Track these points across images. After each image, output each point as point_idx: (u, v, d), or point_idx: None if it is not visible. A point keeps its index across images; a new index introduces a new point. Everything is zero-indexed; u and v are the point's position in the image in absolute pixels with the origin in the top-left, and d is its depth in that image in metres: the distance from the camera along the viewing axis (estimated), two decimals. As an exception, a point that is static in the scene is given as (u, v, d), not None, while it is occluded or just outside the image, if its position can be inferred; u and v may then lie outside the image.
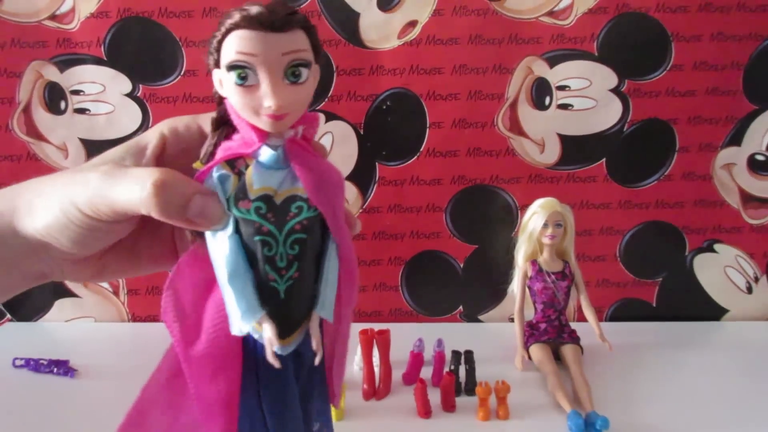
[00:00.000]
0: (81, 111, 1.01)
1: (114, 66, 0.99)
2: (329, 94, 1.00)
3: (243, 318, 0.35)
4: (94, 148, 1.01)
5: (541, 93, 1.01)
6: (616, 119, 1.02)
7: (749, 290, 1.10)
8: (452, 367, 0.87)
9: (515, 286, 0.95)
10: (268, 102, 0.33)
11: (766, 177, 1.05)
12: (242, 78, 0.33)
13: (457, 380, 0.84)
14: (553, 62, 1.00)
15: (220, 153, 0.36)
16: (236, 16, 0.33)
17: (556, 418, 0.78)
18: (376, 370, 0.85)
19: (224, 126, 0.37)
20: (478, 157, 1.03)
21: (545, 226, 0.91)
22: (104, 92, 1.00)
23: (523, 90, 1.01)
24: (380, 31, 0.99)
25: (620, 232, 1.07)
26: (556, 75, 1.01)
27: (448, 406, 0.80)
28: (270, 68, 0.33)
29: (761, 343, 1.02)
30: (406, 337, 0.90)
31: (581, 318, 0.95)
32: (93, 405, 0.82)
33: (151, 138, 0.39)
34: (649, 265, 1.09)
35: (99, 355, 0.95)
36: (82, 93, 1.00)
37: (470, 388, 0.83)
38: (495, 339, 1.01)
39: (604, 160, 1.04)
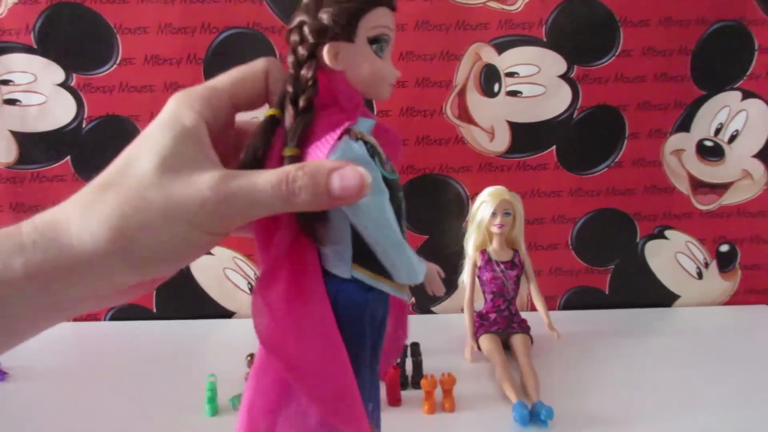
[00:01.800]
0: (11, 102, 0.96)
1: (45, 54, 0.95)
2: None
3: (419, 268, 0.38)
4: (26, 140, 0.97)
5: (489, 80, 1.00)
6: (566, 106, 1.02)
7: (700, 276, 1.10)
8: (398, 361, 0.85)
9: (465, 276, 0.94)
10: (396, 72, 0.38)
11: (714, 163, 1.06)
12: (382, 50, 0.37)
13: (403, 373, 0.82)
14: (501, 48, 0.99)
15: (324, 129, 0.35)
16: None
17: (502, 409, 0.77)
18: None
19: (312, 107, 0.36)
20: (426, 145, 1.01)
21: (494, 215, 0.90)
22: (35, 82, 0.95)
23: (472, 77, 1.00)
24: (324, 17, 0.96)
25: (572, 220, 1.07)
26: (504, 61, 0.99)
27: (394, 400, 0.78)
28: (392, 43, 0.38)
29: (711, 328, 1.02)
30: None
31: (534, 307, 0.95)
32: (24, 409, 0.78)
33: (195, 124, 0.34)
34: (601, 253, 1.09)
35: (33, 357, 0.91)
36: (11, 83, 0.95)
37: (417, 381, 0.81)
38: (446, 330, 0.99)
39: (554, 147, 1.03)
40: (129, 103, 0.95)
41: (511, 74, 1.00)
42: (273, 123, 0.36)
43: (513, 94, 1.00)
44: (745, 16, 1.00)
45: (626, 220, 1.07)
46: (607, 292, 1.10)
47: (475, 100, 1.00)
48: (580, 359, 0.90)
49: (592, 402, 0.78)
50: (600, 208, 1.06)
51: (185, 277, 1.03)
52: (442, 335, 0.96)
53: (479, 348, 0.90)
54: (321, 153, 0.34)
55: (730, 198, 1.07)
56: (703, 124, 1.04)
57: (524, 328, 0.92)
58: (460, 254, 0.96)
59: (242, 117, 0.39)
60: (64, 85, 0.96)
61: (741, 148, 1.05)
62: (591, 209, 1.06)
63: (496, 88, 1.00)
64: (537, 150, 1.03)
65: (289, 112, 0.36)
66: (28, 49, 0.94)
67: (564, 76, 1.00)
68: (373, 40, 0.36)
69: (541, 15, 0.98)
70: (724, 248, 1.09)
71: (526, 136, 1.02)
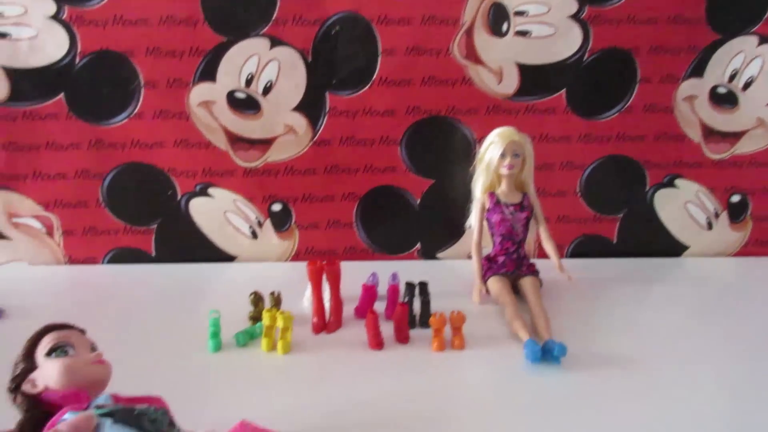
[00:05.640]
0: (1, 36, 0.92)
1: (35, -15, 0.91)
2: (273, 17, 0.94)
3: None
4: (17, 76, 0.93)
5: (498, 18, 0.96)
6: (576, 48, 0.98)
7: (710, 226, 1.08)
8: (406, 299, 0.83)
9: (473, 218, 0.91)
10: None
11: (727, 110, 1.03)
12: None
13: (411, 313, 0.80)
14: (510, -15, 0.95)
15: None
16: None
17: (513, 348, 0.75)
18: (327, 303, 0.80)
19: None
20: (433, 86, 0.98)
21: (503, 156, 0.87)
22: (26, 14, 0.91)
23: (480, 15, 0.96)
24: (328, -52, 0.93)
25: (581, 167, 1.04)
26: (513, -1, 0.96)
27: (402, 338, 0.76)
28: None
29: (719, 279, 1.00)
30: (360, 274, 0.87)
31: (542, 254, 0.92)
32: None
33: None
34: (609, 201, 1.06)
35: (29, 297, 0.89)
36: (0, 16, 0.91)
37: (425, 320, 0.79)
38: (453, 275, 0.97)
39: (564, 91, 1.00)
40: (123, 37, 0.91)
41: (520, 13, 0.96)
42: None
43: (522, 34, 0.97)
44: (764, -45, 0.96)
45: (635, 168, 1.05)
46: (614, 242, 1.07)
47: (483, 40, 0.97)
48: (589, 304, 0.88)
49: (600, 344, 0.77)
50: (609, 155, 1.03)
51: (184, 220, 1.01)
52: (448, 280, 0.94)
53: (488, 291, 0.88)
54: None
55: (743, 147, 1.05)
56: (717, 70, 1.01)
57: (533, 271, 0.89)
58: (467, 198, 0.93)
59: None
60: (55, 17, 0.92)
61: (756, 95, 1.02)
62: (600, 156, 1.03)
63: (504, 27, 0.97)
64: (546, 93, 1.00)
65: None
66: (17, -20, 0.90)
67: (575, 17, 0.97)
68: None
69: (553, -50, 0.94)
70: (736, 198, 1.07)
71: (535, 79, 0.99)
